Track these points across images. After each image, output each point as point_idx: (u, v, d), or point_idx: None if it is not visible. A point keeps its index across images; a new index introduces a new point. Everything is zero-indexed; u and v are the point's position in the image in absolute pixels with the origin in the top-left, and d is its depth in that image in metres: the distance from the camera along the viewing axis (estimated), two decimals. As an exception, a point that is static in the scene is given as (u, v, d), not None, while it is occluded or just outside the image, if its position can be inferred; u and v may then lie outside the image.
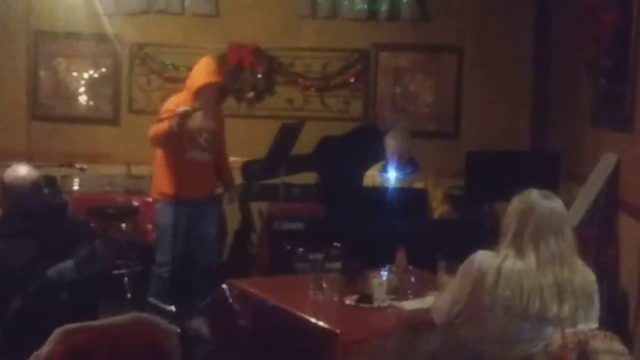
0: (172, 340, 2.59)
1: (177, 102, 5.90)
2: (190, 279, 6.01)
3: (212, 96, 5.92)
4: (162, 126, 5.75)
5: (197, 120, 5.86)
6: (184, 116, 5.68)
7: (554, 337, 3.14)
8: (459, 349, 1.42)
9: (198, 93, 5.88)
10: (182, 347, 2.95)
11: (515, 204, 3.33)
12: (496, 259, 3.27)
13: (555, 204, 3.32)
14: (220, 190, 6.43)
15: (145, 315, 2.65)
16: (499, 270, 3.23)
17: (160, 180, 6.00)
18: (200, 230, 6.04)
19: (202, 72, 5.93)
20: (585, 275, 3.30)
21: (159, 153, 5.99)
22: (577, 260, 3.32)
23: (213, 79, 5.90)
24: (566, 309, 3.19)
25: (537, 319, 3.19)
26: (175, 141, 5.79)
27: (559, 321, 3.18)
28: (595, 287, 3.33)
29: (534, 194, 3.32)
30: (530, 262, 3.23)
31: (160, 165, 6.00)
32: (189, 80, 6.00)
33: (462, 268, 3.41)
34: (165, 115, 5.79)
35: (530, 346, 3.20)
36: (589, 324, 3.23)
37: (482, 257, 3.32)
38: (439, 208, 5.95)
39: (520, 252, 3.25)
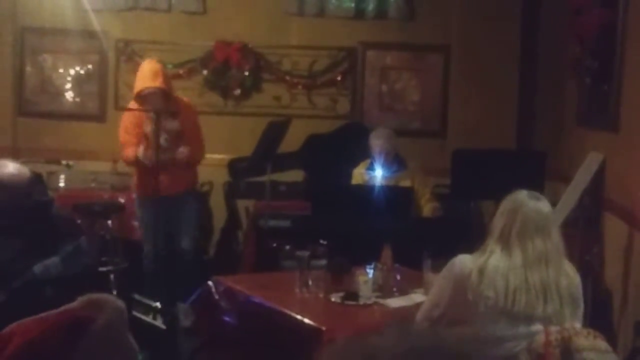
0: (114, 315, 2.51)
1: (134, 115, 5.97)
2: (172, 274, 6.04)
3: (156, 101, 5.80)
4: (131, 154, 5.93)
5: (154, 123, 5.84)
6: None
7: (538, 334, 3.15)
8: (434, 349, 1.31)
9: (140, 98, 5.87)
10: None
11: (504, 202, 3.37)
12: (480, 257, 3.29)
13: (542, 204, 3.34)
14: (199, 185, 6.46)
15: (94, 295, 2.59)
16: (481, 270, 3.25)
17: (135, 176, 6.18)
18: (176, 225, 6.06)
19: (144, 76, 5.88)
20: (571, 278, 3.31)
21: None
22: (564, 262, 3.33)
23: (153, 84, 5.81)
24: (550, 309, 3.21)
25: (523, 316, 3.21)
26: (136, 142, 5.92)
27: (545, 320, 3.19)
28: (580, 290, 3.35)
29: (522, 194, 3.34)
30: (516, 260, 3.24)
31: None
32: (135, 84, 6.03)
33: (443, 273, 3.43)
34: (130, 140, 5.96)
35: (516, 344, 3.21)
36: (574, 324, 3.24)
37: (462, 261, 3.34)
38: (426, 206, 5.96)
39: (506, 250, 3.27)
